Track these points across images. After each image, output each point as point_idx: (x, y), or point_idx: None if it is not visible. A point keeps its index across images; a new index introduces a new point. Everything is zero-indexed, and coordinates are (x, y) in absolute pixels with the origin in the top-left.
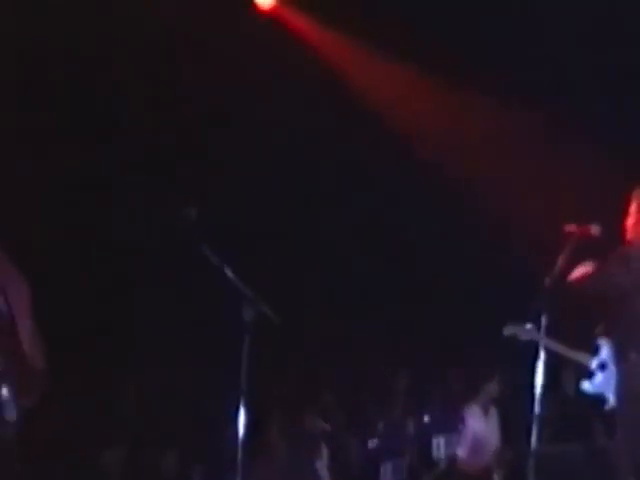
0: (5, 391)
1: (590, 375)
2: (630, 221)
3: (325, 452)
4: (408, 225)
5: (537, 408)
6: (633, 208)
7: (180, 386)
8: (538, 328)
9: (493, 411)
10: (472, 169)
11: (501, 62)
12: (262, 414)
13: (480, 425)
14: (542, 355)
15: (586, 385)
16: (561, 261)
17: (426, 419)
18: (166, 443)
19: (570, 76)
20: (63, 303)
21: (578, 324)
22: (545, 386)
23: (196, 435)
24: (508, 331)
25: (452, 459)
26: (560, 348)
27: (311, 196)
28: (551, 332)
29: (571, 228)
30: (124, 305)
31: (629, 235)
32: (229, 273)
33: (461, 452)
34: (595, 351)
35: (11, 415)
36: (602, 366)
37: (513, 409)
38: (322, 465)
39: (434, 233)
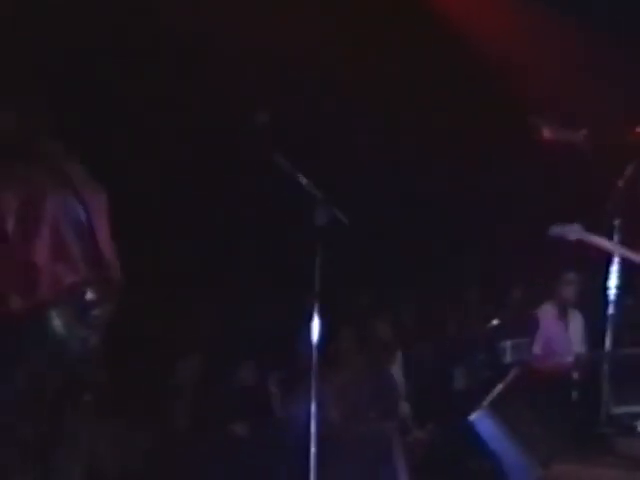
0: (90, 295)
1: None
2: None
3: (398, 357)
4: None
5: (611, 311)
6: None
7: (255, 295)
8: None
9: (575, 313)
10: None
11: None
12: (336, 322)
13: (554, 324)
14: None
15: None
16: (634, 165)
17: (496, 323)
18: (243, 354)
19: None
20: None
21: None
22: (622, 289)
23: (272, 344)
24: (554, 231)
25: (525, 362)
26: (606, 244)
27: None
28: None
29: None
30: (197, 215)
31: None
32: (301, 178)
33: (536, 350)
34: None
35: (97, 320)
36: None
37: (594, 312)
38: (397, 370)
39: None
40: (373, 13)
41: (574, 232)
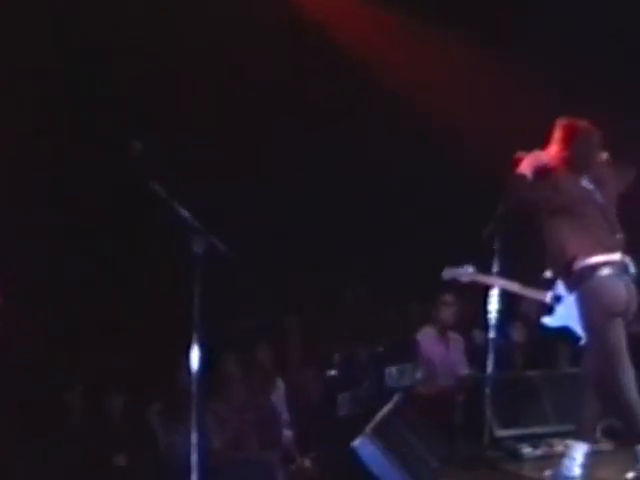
0: None
1: (549, 310)
2: (554, 149)
3: (281, 385)
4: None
5: (492, 334)
6: (557, 136)
7: (130, 323)
8: (479, 269)
9: (454, 336)
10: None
11: None
12: (216, 349)
13: (435, 348)
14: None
15: (546, 320)
16: (515, 188)
17: (380, 348)
18: (114, 384)
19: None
20: None
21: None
22: (504, 314)
23: (149, 373)
24: (447, 274)
25: (409, 386)
26: (496, 282)
27: (264, 127)
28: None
29: (522, 154)
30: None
31: (554, 163)
32: (178, 207)
33: (419, 375)
34: (550, 286)
35: None
36: (557, 299)
37: (478, 335)
38: (279, 398)
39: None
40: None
41: (466, 275)
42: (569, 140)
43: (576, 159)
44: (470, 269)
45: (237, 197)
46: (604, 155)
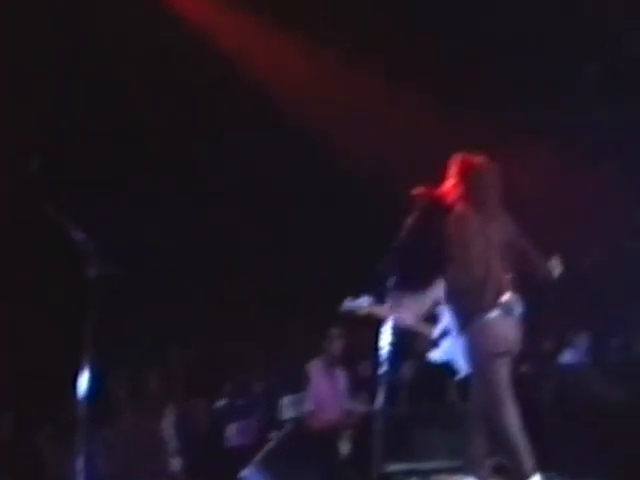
0: None
1: (435, 344)
2: (450, 184)
3: (171, 413)
4: None
5: (383, 369)
6: (453, 171)
7: (20, 347)
8: (377, 300)
9: (340, 369)
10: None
11: None
12: (105, 375)
13: (323, 382)
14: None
15: (433, 354)
16: (409, 223)
17: (272, 379)
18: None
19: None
20: None
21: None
22: (395, 347)
23: (38, 399)
24: (345, 307)
25: (299, 418)
26: (403, 319)
27: (161, 147)
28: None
29: (419, 190)
30: None
31: (450, 198)
32: (72, 229)
33: (307, 408)
34: (435, 320)
35: None
36: (444, 334)
37: (364, 369)
38: (168, 426)
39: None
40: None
41: (364, 307)
42: (464, 175)
43: (472, 194)
44: (368, 301)
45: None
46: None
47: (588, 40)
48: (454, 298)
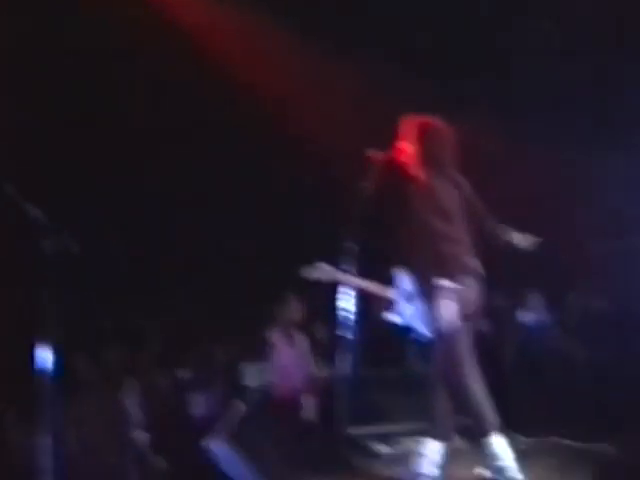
0: None
1: (395, 307)
2: (405, 147)
3: (134, 387)
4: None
5: (342, 332)
6: (406, 133)
7: None
8: (337, 266)
9: (300, 335)
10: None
11: None
12: (67, 351)
13: (284, 350)
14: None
15: (394, 317)
16: (367, 186)
17: (235, 349)
18: None
19: None
20: None
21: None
22: (354, 311)
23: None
24: (307, 274)
25: (263, 386)
26: (354, 281)
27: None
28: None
29: (375, 153)
30: None
31: (407, 162)
32: (28, 206)
33: (271, 378)
34: (395, 282)
35: None
36: (409, 297)
37: (325, 333)
38: (132, 400)
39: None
40: None
41: (325, 273)
42: (418, 137)
43: (429, 157)
44: (326, 267)
45: (93, 197)
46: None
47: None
48: (416, 263)
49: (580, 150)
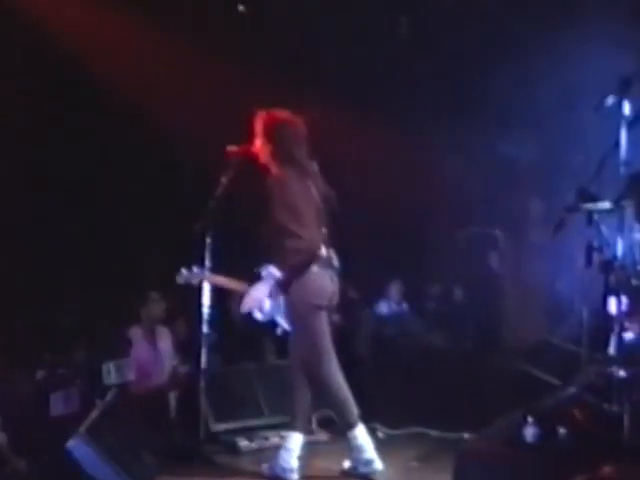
0: None
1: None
2: (259, 143)
3: None
4: None
5: (205, 329)
6: (259, 129)
7: None
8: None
9: (162, 331)
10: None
11: None
12: None
13: (144, 347)
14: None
15: (256, 313)
16: (224, 182)
17: (93, 347)
18: None
19: None
20: None
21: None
22: (214, 308)
23: None
24: (180, 279)
25: (123, 384)
26: (224, 281)
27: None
28: (215, 259)
29: (232, 149)
30: None
31: (261, 157)
32: None
33: (131, 376)
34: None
35: None
36: (270, 293)
37: (186, 329)
38: None
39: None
40: None
41: (197, 276)
42: (270, 131)
43: (281, 152)
44: (198, 270)
45: None
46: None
47: None
48: (272, 258)
49: (437, 136)
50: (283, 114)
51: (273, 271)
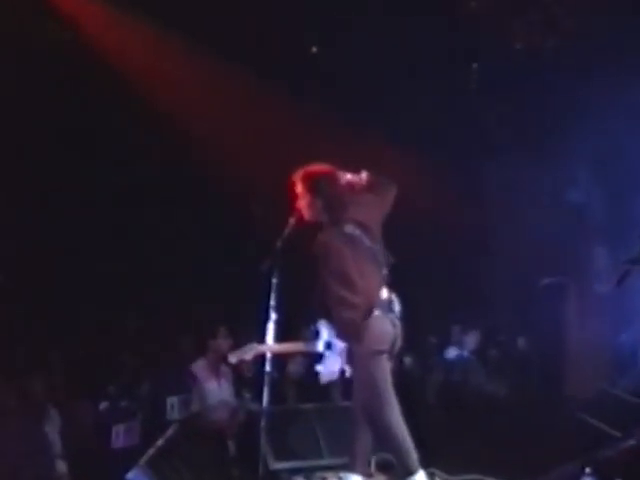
0: None
1: (320, 357)
2: (303, 203)
3: (55, 416)
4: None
5: (269, 368)
6: (301, 189)
7: None
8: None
9: (225, 369)
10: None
11: None
12: None
13: (209, 382)
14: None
15: (320, 368)
16: (292, 222)
17: (159, 380)
18: None
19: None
20: None
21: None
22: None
23: None
24: (233, 358)
25: (186, 418)
26: (276, 348)
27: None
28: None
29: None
30: None
31: (308, 216)
32: None
33: (194, 410)
34: (316, 334)
35: None
36: (328, 345)
37: (249, 368)
38: (52, 429)
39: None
40: None
41: (249, 351)
42: (314, 190)
43: (329, 207)
44: (252, 345)
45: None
46: (363, 175)
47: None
48: (338, 314)
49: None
50: (318, 167)
51: (336, 342)
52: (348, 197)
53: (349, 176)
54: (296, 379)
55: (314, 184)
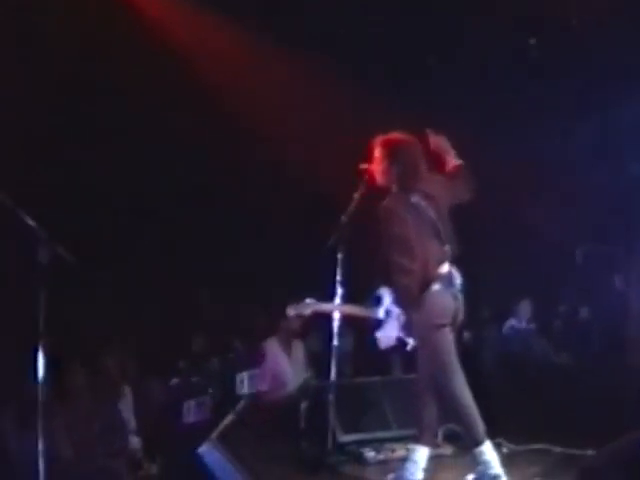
0: None
1: (380, 324)
2: (378, 168)
3: (128, 394)
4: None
5: (336, 342)
6: (378, 154)
7: None
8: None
9: (297, 344)
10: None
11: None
12: (61, 358)
13: (280, 358)
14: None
15: (379, 334)
16: (356, 197)
17: (230, 355)
18: None
19: None
20: None
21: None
22: (344, 322)
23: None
24: (291, 311)
25: (255, 394)
26: (337, 309)
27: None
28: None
29: (364, 166)
30: None
31: (380, 181)
32: (22, 215)
33: (262, 386)
34: (377, 301)
35: None
36: (387, 313)
37: (318, 342)
38: (126, 407)
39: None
40: None
41: (308, 307)
42: (393, 156)
43: (404, 175)
44: (310, 301)
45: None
46: (456, 162)
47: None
48: (395, 280)
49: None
50: (402, 136)
51: (394, 309)
52: (423, 170)
53: (443, 150)
54: (358, 354)
55: (394, 150)
